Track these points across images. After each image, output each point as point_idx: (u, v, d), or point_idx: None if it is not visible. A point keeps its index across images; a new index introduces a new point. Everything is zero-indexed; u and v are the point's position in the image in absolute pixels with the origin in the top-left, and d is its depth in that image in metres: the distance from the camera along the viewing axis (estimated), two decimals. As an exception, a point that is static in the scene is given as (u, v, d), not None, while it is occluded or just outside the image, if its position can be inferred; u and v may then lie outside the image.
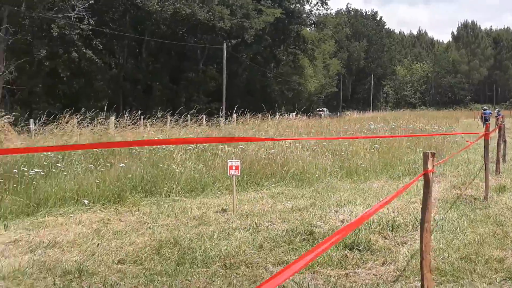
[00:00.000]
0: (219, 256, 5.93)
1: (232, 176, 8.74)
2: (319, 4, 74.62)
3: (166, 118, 20.21)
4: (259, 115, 25.67)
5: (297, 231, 6.86)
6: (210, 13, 49.38)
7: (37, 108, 36.36)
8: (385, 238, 6.64)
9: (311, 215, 7.86)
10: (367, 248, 6.17)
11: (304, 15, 70.75)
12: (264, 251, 6.15)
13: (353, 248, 6.13)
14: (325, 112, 52.74)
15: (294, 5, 66.93)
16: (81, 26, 37.72)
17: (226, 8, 52.59)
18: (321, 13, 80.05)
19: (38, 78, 39.83)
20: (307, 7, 73.52)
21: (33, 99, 39.98)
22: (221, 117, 27.98)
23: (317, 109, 53.28)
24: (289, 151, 13.52)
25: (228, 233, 6.95)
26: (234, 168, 8.64)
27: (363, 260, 5.81)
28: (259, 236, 6.68)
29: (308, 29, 77.27)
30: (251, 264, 5.71)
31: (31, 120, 17.62)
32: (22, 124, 16.12)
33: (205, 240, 6.54)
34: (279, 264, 5.68)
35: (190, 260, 5.81)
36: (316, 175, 11.95)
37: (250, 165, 11.76)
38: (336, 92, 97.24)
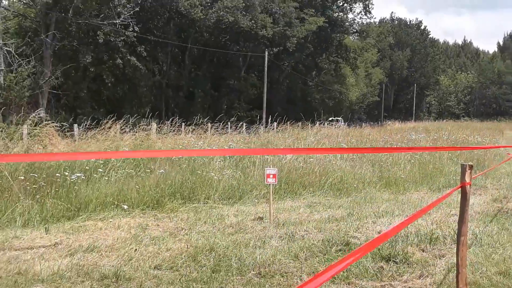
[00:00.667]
0: (254, 265, 5.96)
1: (270, 184, 8.76)
2: (363, 13, 74.37)
3: (207, 125, 20.35)
4: (299, 123, 25.65)
5: (333, 241, 6.84)
6: (253, 21, 49.67)
7: (82, 113, 37.11)
8: (423, 251, 6.57)
9: (348, 226, 7.83)
10: (403, 260, 6.11)
11: (347, 23, 70.58)
12: (299, 260, 6.15)
13: (390, 260, 6.08)
14: (340, 123, 46.10)
15: (337, 13, 66.90)
16: (126, 33, 38.39)
17: (269, 16, 52.84)
18: (364, 22, 79.80)
19: (83, 83, 40.63)
20: (350, 15, 73.52)
21: (78, 104, 40.77)
22: (261, 125, 28.04)
23: (330, 119, 48.41)
24: (328, 160, 13.48)
25: (264, 241, 6.97)
26: (271, 176, 8.67)
27: (399, 273, 5.76)
28: (295, 246, 6.69)
29: (350, 37, 77.03)
30: (286, 273, 5.72)
31: (75, 125, 17.98)
32: (66, 129, 16.46)
33: (241, 248, 6.58)
34: (314, 274, 5.68)
35: (225, 268, 5.85)
36: (355, 185, 11.89)
37: (288, 174, 11.77)
38: (378, 101, 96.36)
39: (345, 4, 71.82)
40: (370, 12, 74.63)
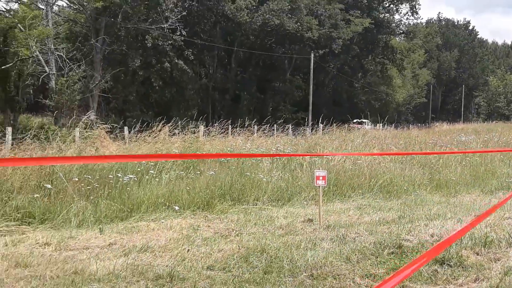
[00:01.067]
0: (306, 266, 5.96)
1: (319, 186, 8.75)
2: (409, 14, 73.47)
3: (253, 128, 20.43)
4: (346, 125, 25.50)
5: (385, 244, 6.78)
6: (299, 24, 49.65)
7: (131, 116, 37.75)
8: (477, 254, 6.45)
9: (399, 228, 7.74)
10: (458, 263, 6.02)
11: (394, 24, 69.84)
12: (351, 263, 6.13)
13: (444, 263, 5.99)
14: (366, 125, 41.23)
15: (383, 14, 66.28)
16: (173, 37, 38.93)
17: (315, 18, 52.73)
18: (411, 23, 78.81)
19: (132, 87, 41.33)
20: (396, 16, 72.65)
21: (127, 107, 41.49)
22: (307, 127, 28.01)
23: (354, 121, 42.93)
24: (377, 162, 13.37)
25: (315, 243, 6.97)
26: (321, 178, 8.65)
27: (454, 276, 5.67)
28: (346, 248, 6.66)
29: (397, 38, 76.17)
30: (338, 275, 5.70)
31: (125, 128, 18.30)
32: (117, 132, 16.76)
33: (292, 250, 6.59)
34: (367, 277, 5.64)
35: (277, 269, 5.87)
36: (405, 188, 11.76)
37: (336, 176, 11.72)
38: (425, 102, 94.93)
39: (392, 5, 71.08)
40: (417, 13, 73.71)
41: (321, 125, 25.75)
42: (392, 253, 6.51)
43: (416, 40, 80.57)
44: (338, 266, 6.00)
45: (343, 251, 6.52)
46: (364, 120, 47.91)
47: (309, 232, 7.75)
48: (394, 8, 71.38)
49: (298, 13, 50.34)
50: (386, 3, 69.80)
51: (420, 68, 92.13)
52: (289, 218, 8.78)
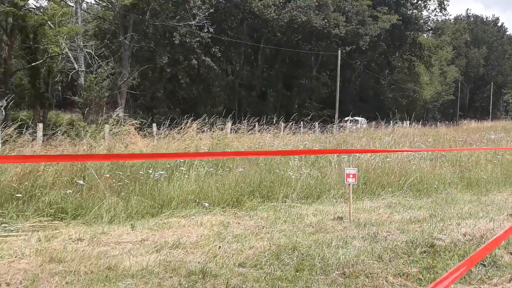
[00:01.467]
0: (337, 265, 5.94)
1: (349, 184, 8.71)
2: (437, 10, 72.78)
3: (280, 125, 20.39)
4: (373, 122, 25.34)
5: (417, 242, 6.74)
6: (326, 20, 49.49)
7: (158, 112, 38.00)
8: (511, 254, 6.38)
9: (431, 227, 7.69)
10: (492, 263, 5.95)
11: (422, 21, 69.17)
12: (383, 261, 6.09)
13: (477, 263, 5.94)
14: (360, 124, 36.23)
15: (411, 11, 65.70)
16: (201, 34, 39.05)
17: (342, 15, 52.53)
18: (439, 19, 77.98)
19: (159, 84, 41.56)
20: (424, 13, 71.98)
21: (154, 104, 41.74)
22: (335, 124, 27.89)
23: (346, 118, 37.48)
24: (407, 160, 13.27)
25: (346, 241, 6.94)
26: (351, 176, 8.61)
27: (488, 276, 5.62)
28: (378, 246, 6.63)
29: (425, 35, 75.45)
30: (370, 274, 5.68)
31: (154, 125, 18.40)
32: (145, 128, 16.86)
33: (323, 248, 6.57)
34: (400, 276, 5.61)
35: (309, 267, 5.86)
36: (435, 186, 11.66)
37: (365, 174, 11.66)
38: (453, 100, 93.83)
39: (419, 1, 70.46)
40: (445, 9, 73.07)
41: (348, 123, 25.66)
42: (425, 252, 6.47)
43: (444, 36, 79.75)
44: (370, 264, 5.98)
45: (375, 249, 6.50)
46: (358, 118, 41.94)
47: (339, 230, 7.73)
48: (422, 4, 70.84)
49: (325, 9, 50.19)
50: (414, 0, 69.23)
51: (448, 65, 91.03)
52: (319, 215, 8.76)
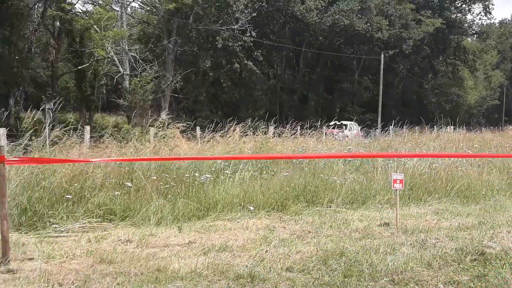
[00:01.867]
0: (386, 271, 5.89)
1: (396, 190, 8.63)
2: (482, 14, 71.58)
3: (323, 128, 20.34)
4: (416, 127, 25.02)
5: (467, 250, 6.63)
6: (368, 24, 49.16)
7: (201, 116, 38.29)
8: None
9: (480, 234, 7.55)
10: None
11: (466, 25, 68.10)
12: (433, 269, 6.01)
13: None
14: (347, 129, 31.87)
15: (455, 15, 64.73)
16: (243, 38, 39.23)
17: (385, 18, 52.11)
18: (484, 23, 76.65)
19: (202, 87, 41.90)
20: (469, 16, 70.86)
21: (197, 107, 42.09)
22: (377, 128, 27.68)
23: (332, 123, 33.11)
24: (454, 166, 13.06)
25: (394, 248, 6.88)
26: (398, 181, 8.52)
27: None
28: (427, 253, 6.54)
29: (469, 39, 74.25)
30: (420, 281, 5.60)
31: (198, 128, 18.57)
32: (189, 131, 17.01)
33: (371, 254, 6.52)
34: (450, 284, 5.52)
35: (357, 273, 5.82)
36: (483, 193, 11.44)
37: (411, 179, 11.52)
38: (498, 105, 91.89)
39: (464, 5, 69.37)
40: (490, 13, 71.92)
41: (390, 127, 25.42)
42: (475, 260, 6.36)
43: (489, 40, 78.29)
44: (420, 272, 5.90)
45: (424, 256, 6.41)
46: (346, 123, 36.00)
47: (386, 236, 7.66)
48: (467, 8, 69.71)
49: (368, 13, 49.85)
50: (458, 3, 68.20)
51: (493, 69, 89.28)
52: (365, 221, 8.70)
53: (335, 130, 27.27)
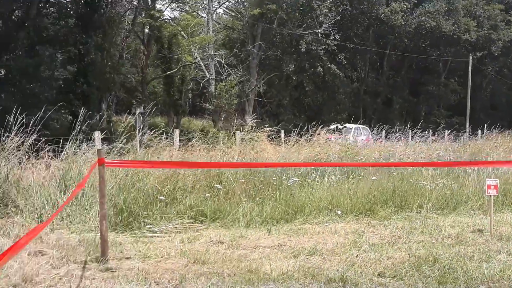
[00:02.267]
0: (482, 279, 5.76)
1: (490, 196, 8.39)
2: None
3: (408, 132, 19.96)
4: (507, 131, 24.10)
5: None
6: (456, 25, 47.81)
7: (284, 119, 38.45)
8: None
9: None
10: None
11: (560, 24, 64.82)
12: (533, 278, 5.83)
13: None
14: (352, 133, 26.42)
15: (547, 15, 61.78)
16: (327, 42, 39.10)
17: (473, 19, 50.49)
18: None
19: (285, 91, 42.09)
20: None
21: (280, 111, 42.32)
22: (465, 132, 26.88)
23: (335, 126, 26.88)
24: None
25: (489, 255, 6.70)
26: (492, 187, 8.29)
27: None
28: (525, 262, 6.34)
29: None
30: (518, 290, 5.46)
31: (282, 132, 18.66)
32: (274, 135, 17.13)
33: (465, 261, 6.38)
34: (551, 294, 5.35)
35: (451, 280, 5.72)
36: None
37: (505, 185, 11.15)
38: None
39: (559, 4, 66.16)
40: None
41: (479, 131, 24.62)
42: None
43: None
44: (518, 281, 5.74)
45: (522, 265, 6.22)
46: (349, 126, 29.16)
47: (480, 243, 7.46)
48: (561, 7, 66.39)
49: (456, 14, 48.45)
50: (550, 2, 65.10)
51: None
52: (457, 227, 8.50)
53: (333, 136, 21.72)
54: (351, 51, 46.19)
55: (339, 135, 23.08)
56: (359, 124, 28.61)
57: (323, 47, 39.92)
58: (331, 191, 10.00)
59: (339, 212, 9.10)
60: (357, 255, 6.69)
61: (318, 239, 7.61)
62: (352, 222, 8.78)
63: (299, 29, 38.55)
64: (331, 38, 38.78)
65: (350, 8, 44.94)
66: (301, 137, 14.98)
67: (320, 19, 38.31)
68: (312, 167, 11.17)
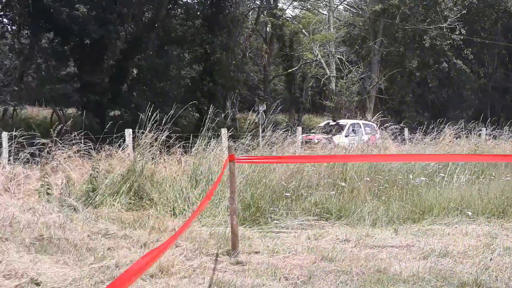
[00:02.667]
0: None
1: None
2: None
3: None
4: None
5: None
6: None
7: (406, 116, 37.54)
8: None
9: None
10: None
11: None
12: None
13: None
14: (346, 131, 23.10)
15: None
16: (452, 36, 37.73)
17: None
18: None
19: (408, 87, 41.11)
20: None
21: (402, 108, 41.39)
22: None
23: (322, 124, 26.09)
24: None
25: None
26: None
27: None
28: None
29: None
30: None
31: (406, 129, 18.29)
32: (397, 133, 16.81)
33: None
34: None
35: None
36: None
37: None
38: None
39: None
40: None
41: None
42: None
43: None
44: None
45: None
46: (343, 122, 25.11)
47: None
48: None
49: None
50: None
51: None
52: None
53: (317, 136, 18.65)
54: (478, 45, 44.19)
55: (326, 134, 20.95)
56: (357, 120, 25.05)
57: (448, 42, 38.51)
58: (460, 192, 9.68)
59: (470, 213, 8.77)
60: (491, 258, 6.42)
61: (448, 241, 7.37)
62: (483, 224, 8.43)
63: (422, 24, 37.43)
64: (457, 33, 37.31)
65: (476, 1, 42.98)
66: (426, 135, 14.56)
67: (445, 13, 36.95)
68: (440, 167, 10.87)
